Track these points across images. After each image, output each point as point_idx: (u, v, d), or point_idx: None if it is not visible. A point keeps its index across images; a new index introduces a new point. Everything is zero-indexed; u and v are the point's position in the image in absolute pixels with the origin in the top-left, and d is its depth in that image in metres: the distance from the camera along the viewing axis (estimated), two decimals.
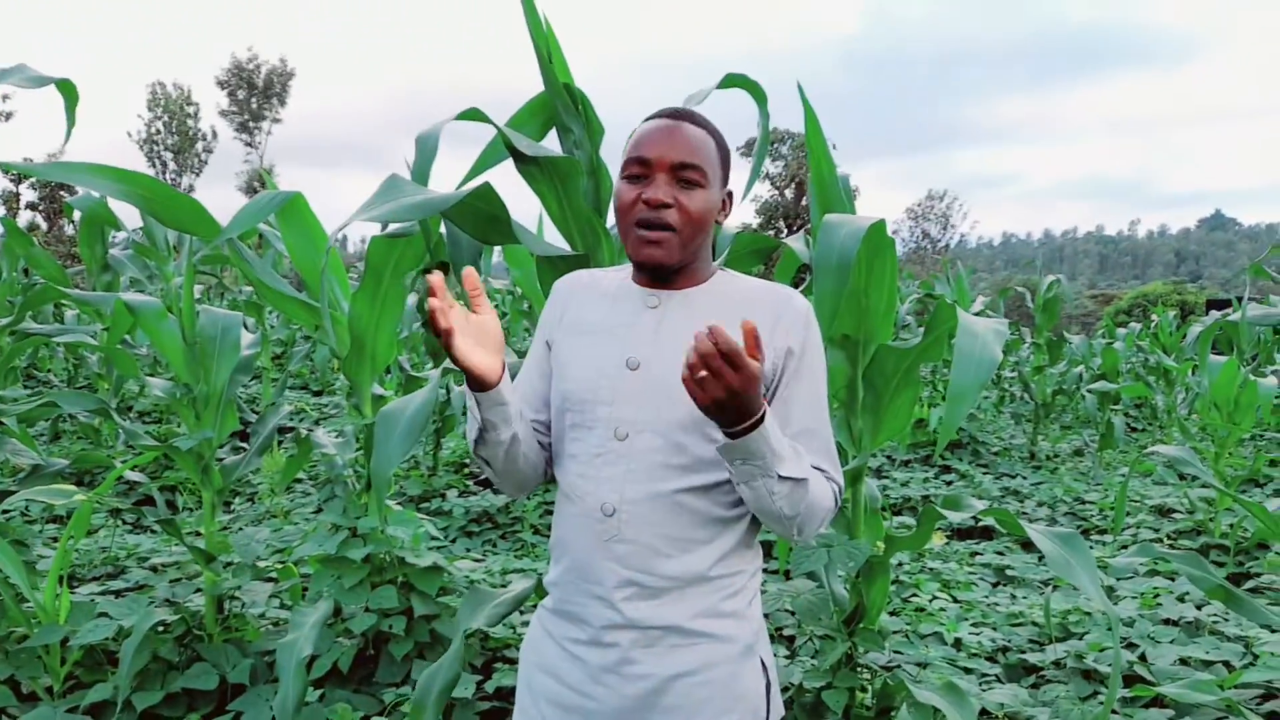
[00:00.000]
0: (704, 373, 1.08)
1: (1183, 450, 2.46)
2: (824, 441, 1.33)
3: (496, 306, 9.97)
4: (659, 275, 1.35)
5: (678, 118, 1.33)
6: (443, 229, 2.76)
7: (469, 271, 1.23)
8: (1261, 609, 2.32)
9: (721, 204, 1.36)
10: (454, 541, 4.86)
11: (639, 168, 1.30)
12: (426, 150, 2.07)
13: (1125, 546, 4.93)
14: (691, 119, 1.34)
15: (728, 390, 1.08)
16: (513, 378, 1.37)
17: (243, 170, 45.20)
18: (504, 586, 2.50)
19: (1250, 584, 4.09)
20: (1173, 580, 4.11)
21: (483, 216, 2.04)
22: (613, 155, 2.15)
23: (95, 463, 2.99)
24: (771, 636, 2.74)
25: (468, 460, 6.32)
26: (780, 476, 1.20)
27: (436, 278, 1.15)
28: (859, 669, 2.37)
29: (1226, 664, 3.09)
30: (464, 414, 7.17)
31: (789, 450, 1.22)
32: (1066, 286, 8.40)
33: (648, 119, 1.36)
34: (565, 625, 1.35)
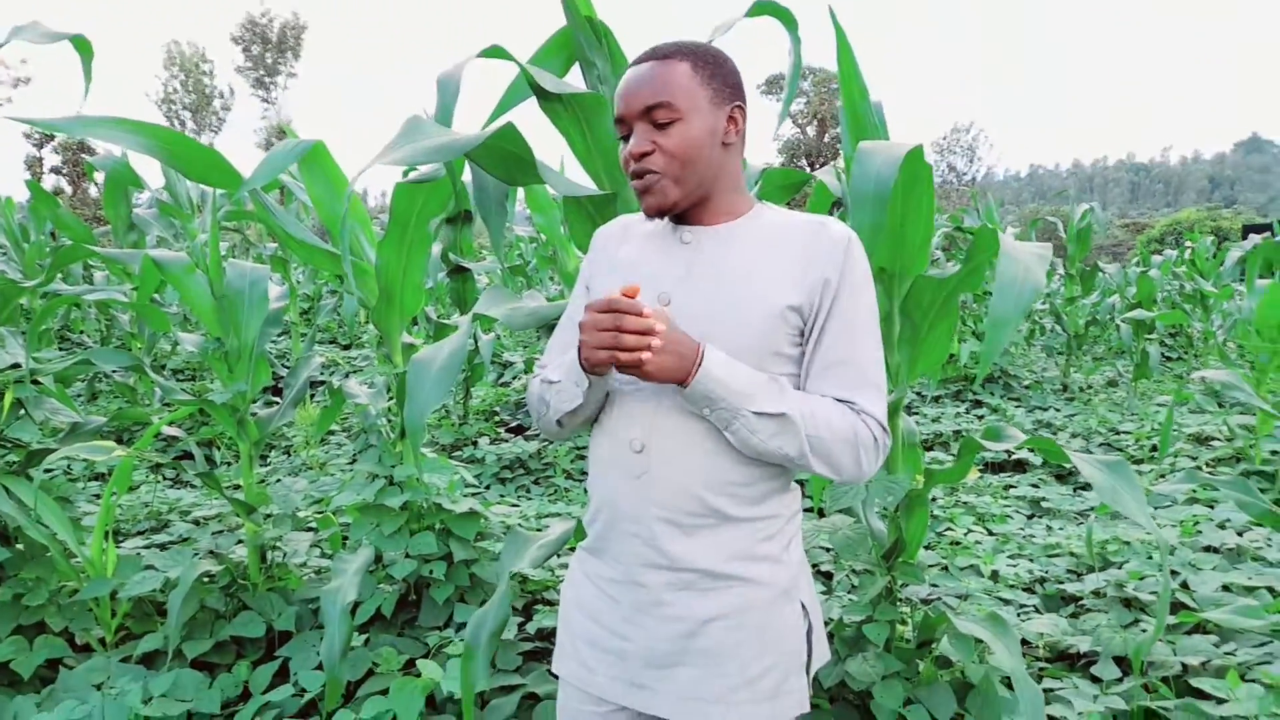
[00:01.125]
0: (645, 354, 1.16)
1: (1230, 375, 2.40)
2: (858, 372, 1.27)
3: (519, 254, 9.94)
4: (677, 217, 1.34)
5: (640, 61, 1.29)
6: (466, 175, 2.73)
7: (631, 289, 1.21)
8: None
9: (727, 125, 1.29)
10: (488, 488, 4.91)
11: (621, 128, 1.29)
12: (449, 91, 2.02)
13: (1163, 475, 4.88)
14: (654, 55, 1.28)
15: (656, 354, 1.16)
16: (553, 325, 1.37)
17: (260, 127, 45.13)
18: (540, 530, 2.52)
19: None
20: (1212, 508, 4.06)
21: (508, 157, 1.99)
22: None
23: (133, 419, 3.01)
24: None
25: (498, 408, 6.35)
26: (755, 413, 1.18)
27: (632, 289, 1.19)
28: (899, 602, 2.36)
29: (1270, 589, 3.06)
30: (493, 361, 7.18)
31: (760, 386, 1.20)
32: (1099, 216, 8.20)
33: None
34: (600, 564, 1.35)
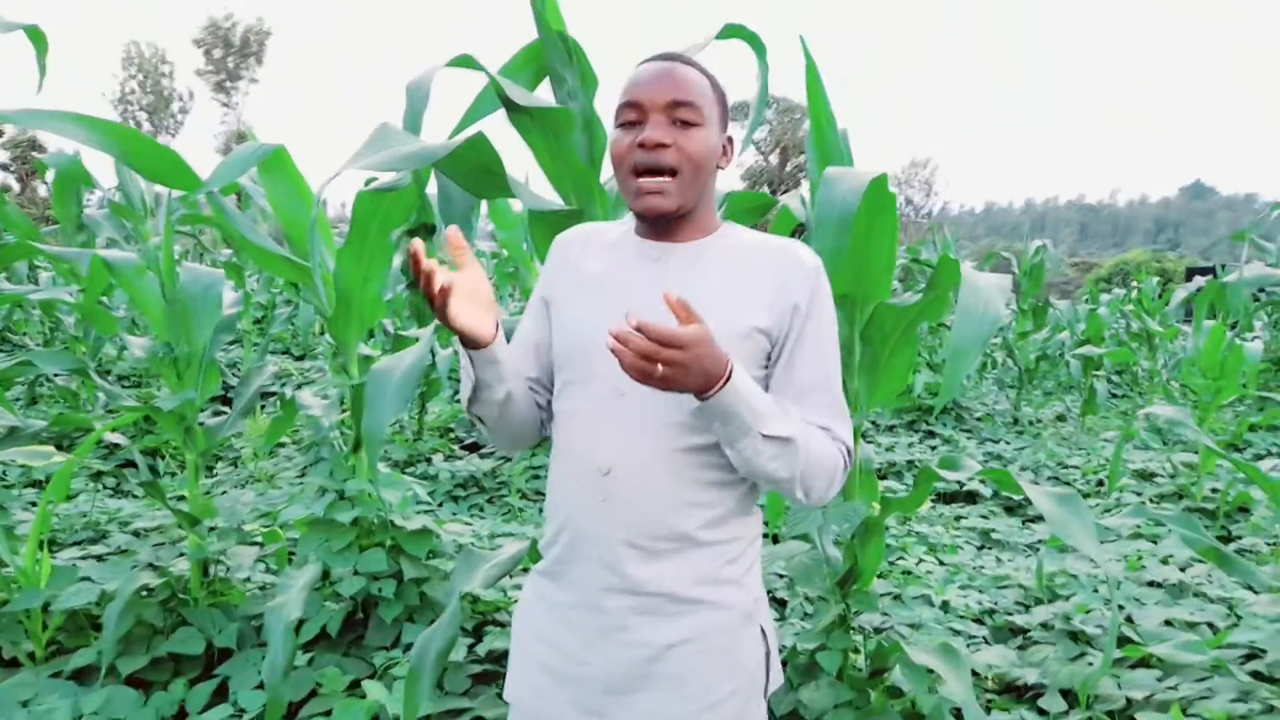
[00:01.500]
0: (658, 368, 1.06)
1: (1179, 412, 2.45)
2: (832, 398, 1.28)
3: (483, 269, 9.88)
4: (662, 224, 1.30)
5: (668, 59, 1.29)
6: (432, 187, 2.70)
7: (452, 230, 1.17)
8: (1252, 568, 2.32)
9: (722, 149, 1.31)
10: (440, 505, 4.84)
11: (633, 113, 1.25)
12: (418, 98, 2.00)
13: (1109, 510, 4.97)
14: (683, 60, 1.29)
15: (681, 369, 1.07)
16: (508, 337, 1.33)
17: (220, 132, 44.51)
18: (493, 550, 2.48)
19: (1233, 546, 4.13)
20: (1155, 543, 4.14)
21: (477, 168, 1.98)
22: (606, 108, 2.09)
23: (75, 425, 2.91)
24: None
25: (453, 425, 6.28)
26: (765, 435, 1.17)
27: (417, 243, 1.10)
28: (852, 630, 2.36)
29: (1211, 625, 3.12)
30: (450, 377, 7.11)
31: (772, 407, 1.19)
32: (1052, 252, 8.40)
33: (640, 64, 1.31)
34: (558, 589, 1.31)
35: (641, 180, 1.24)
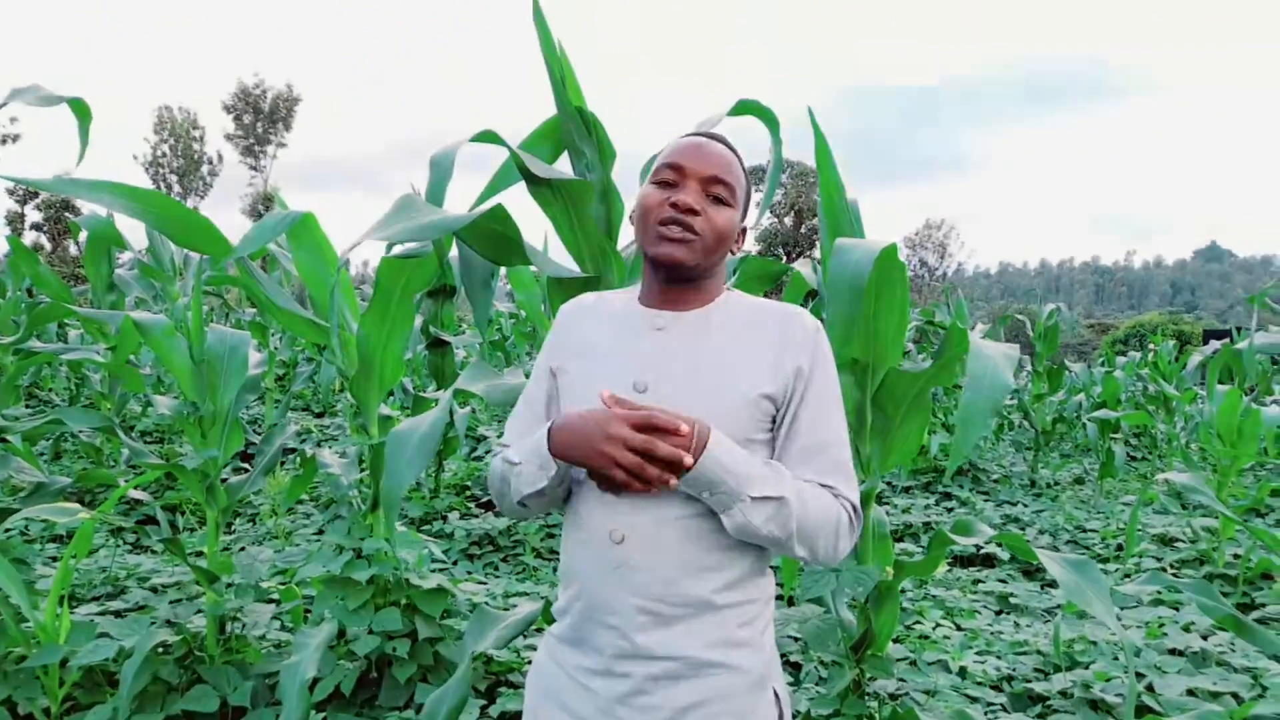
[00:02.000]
0: (630, 472, 1.17)
1: (1193, 478, 2.45)
2: (834, 458, 1.30)
3: (499, 330, 9.99)
4: (671, 280, 1.33)
5: (713, 138, 1.36)
6: (453, 252, 2.78)
7: (607, 395, 1.22)
8: (1273, 638, 2.30)
9: (738, 235, 1.38)
10: (455, 564, 4.84)
11: (671, 173, 1.31)
12: (441, 171, 2.08)
13: (1128, 575, 4.91)
14: (725, 142, 1.36)
15: (673, 466, 1.16)
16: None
17: (247, 194, 45.47)
18: (507, 610, 2.48)
19: (1256, 614, 4.06)
20: (1177, 610, 4.08)
21: (496, 237, 2.05)
22: (623, 179, 2.17)
23: (98, 481, 2.97)
24: None
25: (469, 483, 6.30)
26: (753, 498, 1.19)
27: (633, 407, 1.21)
28: (866, 696, 2.34)
29: (1235, 695, 3.06)
30: (467, 435, 7.15)
31: (758, 469, 1.22)
32: (1066, 315, 8.42)
33: (683, 135, 1.38)
34: (575, 654, 1.32)
35: (666, 228, 1.28)
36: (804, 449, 1.29)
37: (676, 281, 1.34)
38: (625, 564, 1.25)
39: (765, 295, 2.36)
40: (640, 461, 1.16)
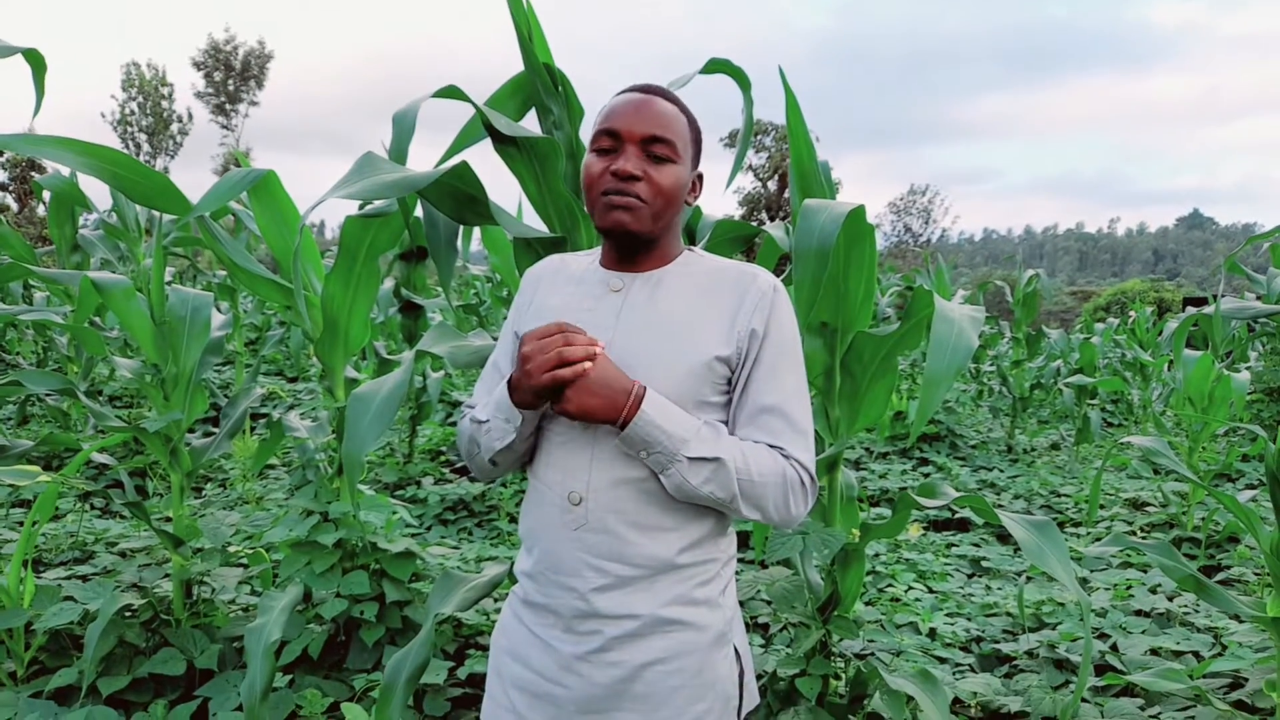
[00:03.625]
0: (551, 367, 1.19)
1: (1157, 442, 2.46)
2: (787, 420, 1.28)
3: (475, 293, 9.91)
4: (626, 247, 1.33)
5: (649, 92, 1.32)
6: (419, 210, 2.73)
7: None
8: (1231, 598, 2.33)
9: (692, 185, 1.35)
10: (429, 529, 4.83)
11: (608, 140, 1.29)
12: (404, 128, 2.03)
13: (1099, 539, 4.97)
14: (663, 94, 1.32)
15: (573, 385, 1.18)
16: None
17: (219, 153, 44.74)
18: (477, 573, 2.48)
19: (1220, 576, 4.13)
20: (1145, 572, 4.14)
21: (460, 196, 2.01)
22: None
23: (63, 444, 2.92)
24: (747, 624, 2.74)
25: (444, 448, 6.28)
26: (690, 459, 1.20)
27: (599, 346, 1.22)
28: (833, 657, 2.36)
29: (1196, 654, 3.12)
30: (440, 400, 7.11)
31: (694, 430, 1.21)
32: (1046, 282, 8.43)
33: (619, 93, 1.34)
34: (537, 614, 1.33)
35: (610, 197, 1.27)
36: (754, 410, 1.28)
37: (630, 246, 1.33)
38: (583, 525, 1.26)
39: (738, 259, 2.33)
40: (557, 354, 1.18)
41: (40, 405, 6.37)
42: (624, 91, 1.34)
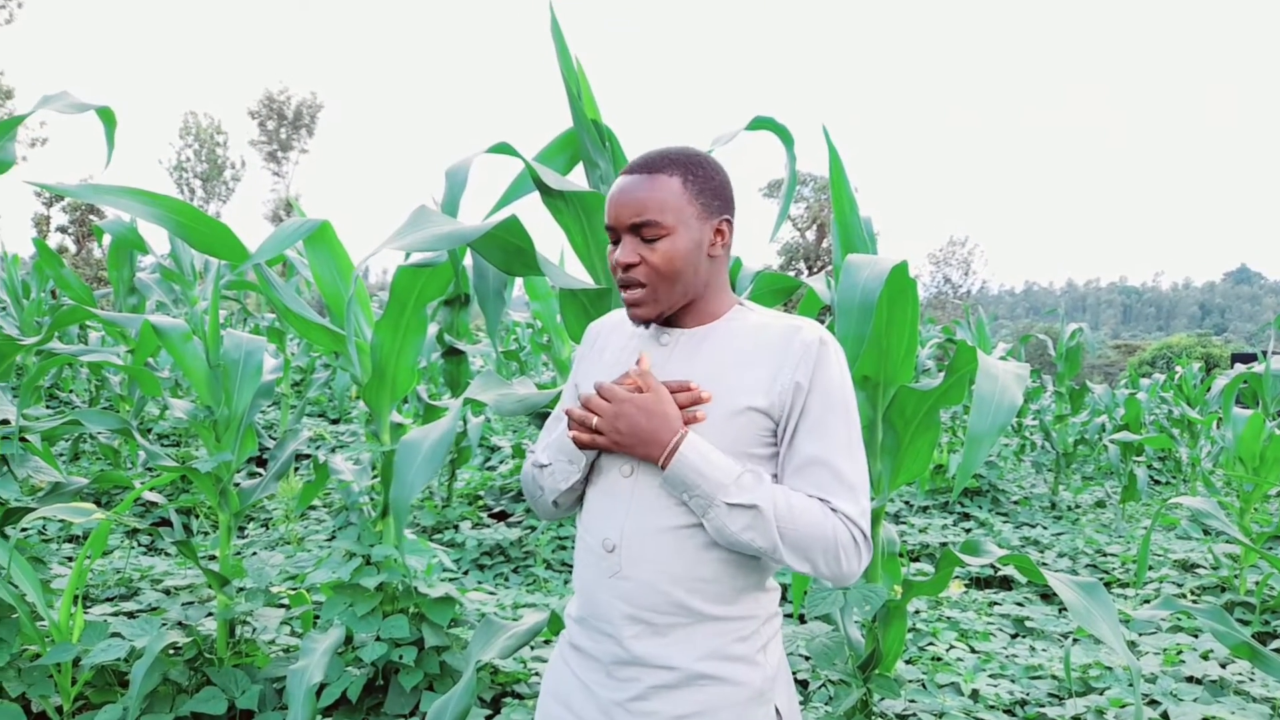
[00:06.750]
0: (594, 418, 1.28)
1: (1207, 503, 2.42)
2: (834, 472, 1.27)
3: (515, 339, 10.02)
4: (662, 321, 1.38)
5: (631, 172, 1.32)
6: (467, 260, 2.80)
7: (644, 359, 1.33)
8: None
9: (714, 237, 1.33)
10: (466, 574, 4.84)
11: (611, 233, 1.34)
12: (456, 183, 2.10)
13: (1148, 601, 4.84)
14: (647, 168, 1.31)
15: (611, 425, 1.26)
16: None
17: (269, 199, 45.96)
18: (515, 620, 2.49)
19: (1277, 643, 4.00)
20: (1196, 637, 4.02)
21: (509, 248, 2.06)
22: None
23: (114, 483, 3.00)
24: None
25: (482, 492, 6.31)
26: (729, 504, 1.21)
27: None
28: (874, 717, 2.32)
29: None
30: (480, 445, 7.16)
31: (734, 476, 1.23)
32: (1089, 335, 8.33)
33: (619, 175, 1.36)
34: (581, 657, 1.36)
35: (624, 293, 1.33)
36: (800, 463, 1.28)
37: (658, 321, 1.37)
38: (617, 573, 1.29)
39: (782, 309, 2.35)
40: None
41: (91, 442, 6.53)
42: (621, 174, 1.36)
